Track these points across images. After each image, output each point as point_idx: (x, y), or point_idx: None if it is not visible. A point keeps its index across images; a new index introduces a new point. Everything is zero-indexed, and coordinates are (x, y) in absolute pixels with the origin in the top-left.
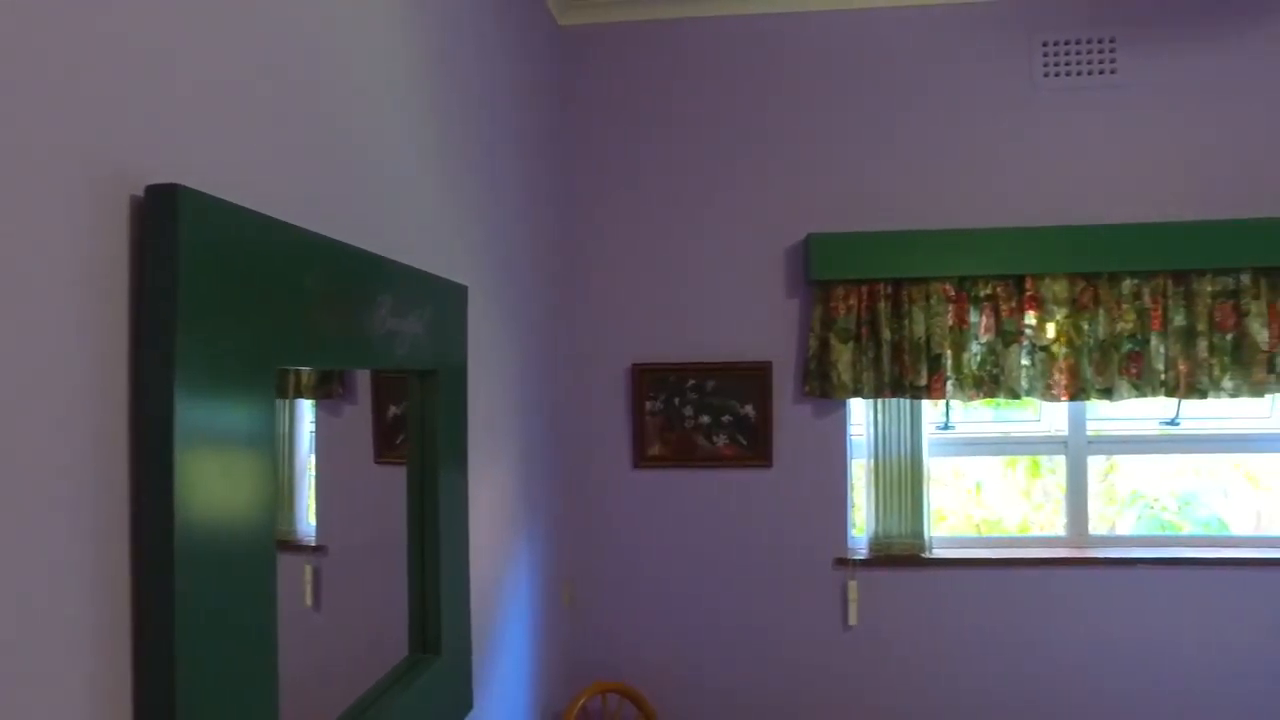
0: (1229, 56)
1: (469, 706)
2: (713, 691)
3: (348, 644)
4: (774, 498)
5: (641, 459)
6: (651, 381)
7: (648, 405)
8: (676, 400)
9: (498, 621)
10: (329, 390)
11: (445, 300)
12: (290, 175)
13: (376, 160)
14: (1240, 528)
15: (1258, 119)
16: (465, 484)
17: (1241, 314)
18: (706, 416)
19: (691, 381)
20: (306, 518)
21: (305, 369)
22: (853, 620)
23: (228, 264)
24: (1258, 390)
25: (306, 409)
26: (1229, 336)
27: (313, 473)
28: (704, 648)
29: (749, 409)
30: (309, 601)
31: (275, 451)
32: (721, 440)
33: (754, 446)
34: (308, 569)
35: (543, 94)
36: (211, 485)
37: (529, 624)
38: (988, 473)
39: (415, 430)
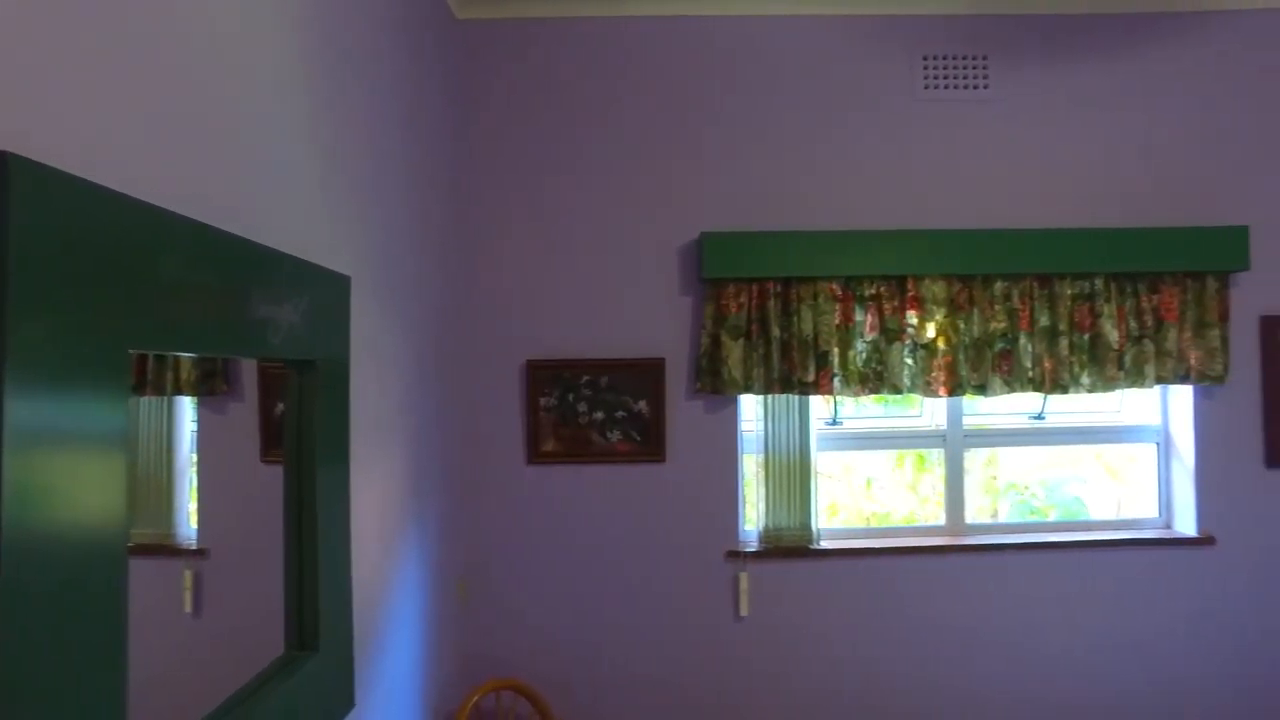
0: (1088, 80)
1: (350, 704)
2: (608, 684)
3: (231, 649)
4: (667, 493)
5: (535, 455)
6: (546, 378)
7: (542, 401)
8: (571, 396)
9: (385, 619)
10: (212, 387)
11: (325, 290)
12: (149, 152)
13: (251, 142)
14: (1097, 513)
15: (1111, 138)
16: (347, 478)
17: (1096, 315)
18: (600, 413)
19: (586, 378)
20: (187, 520)
21: (184, 356)
22: (744, 611)
23: (70, 241)
24: (1110, 386)
25: (187, 406)
26: (1086, 336)
27: (194, 473)
28: (599, 642)
29: (642, 405)
30: (188, 608)
31: (129, 447)
32: (615, 436)
33: (647, 442)
34: (187, 574)
35: (437, 86)
36: (50, 484)
37: (420, 622)
38: (879, 468)
39: (293, 423)
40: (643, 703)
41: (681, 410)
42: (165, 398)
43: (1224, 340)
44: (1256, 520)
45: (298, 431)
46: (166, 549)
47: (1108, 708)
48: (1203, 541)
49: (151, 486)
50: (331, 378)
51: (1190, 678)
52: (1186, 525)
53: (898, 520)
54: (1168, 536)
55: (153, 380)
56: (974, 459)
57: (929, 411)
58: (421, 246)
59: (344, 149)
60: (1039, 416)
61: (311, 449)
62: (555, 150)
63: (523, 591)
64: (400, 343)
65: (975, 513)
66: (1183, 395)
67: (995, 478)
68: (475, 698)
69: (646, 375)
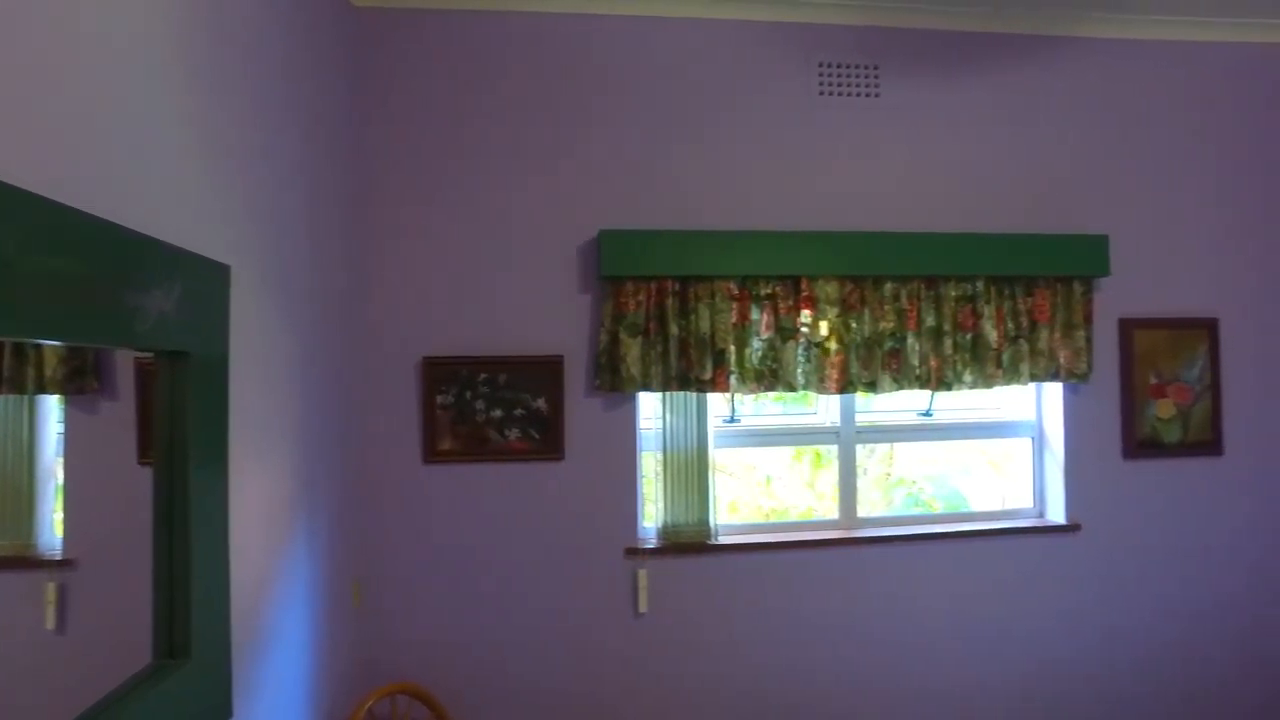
0: (970, 93)
1: (228, 713)
2: (507, 685)
3: (99, 666)
4: (566, 490)
5: (432, 454)
6: (443, 375)
7: (439, 399)
8: (468, 394)
9: (270, 624)
10: (82, 385)
11: (200, 278)
12: None
13: (115, 120)
14: (980, 505)
15: (990, 148)
16: (225, 477)
17: (978, 316)
18: (499, 410)
19: (484, 375)
20: (51, 529)
21: (42, 345)
22: (643, 607)
23: None
24: (990, 383)
25: (53, 406)
26: (968, 336)
27: (61, 478)
28: (498, 642)
29: (541, 402)
30: (50, 623)
31: None
32: (514, 434)
33: (546, 440)
34: (50, 587)
35: (334, 76)
36: None
37: (310, 626)
38: (778, 466)
39: (164, 418)
40: (542, 702)
41: (580, 408)
42: (26, 396)
43: (1088, 340)
44: (1115, 508)
45: (170, 427)
46: (26, 560)
47: (989, 689)
48: (1070, 529)
49: (8, 493)
50: (207, 371)
51: (1061, 657)
52: (1057, 514)
53: (796, 516)
54: (1040, 525)
55: (10, 377)
56: (872, 456)
57: (824, 409)
58: (313, 239)
59: (227, 134)
60: (927, 413)
61: (184, 445)
62: (454, 145)
63: (419, 592)
64: (288, 336)
65: (871, 508)
66: (1054, 392)
67: (889, 474)
68: (369, 702)
69: (545, 373)
